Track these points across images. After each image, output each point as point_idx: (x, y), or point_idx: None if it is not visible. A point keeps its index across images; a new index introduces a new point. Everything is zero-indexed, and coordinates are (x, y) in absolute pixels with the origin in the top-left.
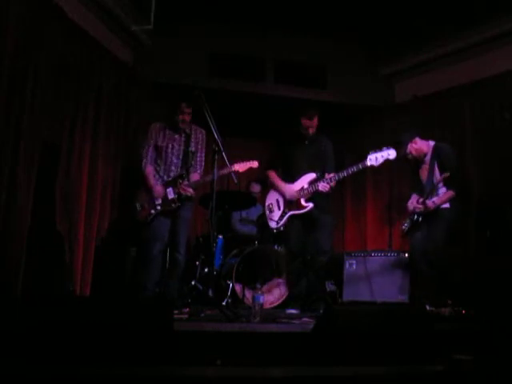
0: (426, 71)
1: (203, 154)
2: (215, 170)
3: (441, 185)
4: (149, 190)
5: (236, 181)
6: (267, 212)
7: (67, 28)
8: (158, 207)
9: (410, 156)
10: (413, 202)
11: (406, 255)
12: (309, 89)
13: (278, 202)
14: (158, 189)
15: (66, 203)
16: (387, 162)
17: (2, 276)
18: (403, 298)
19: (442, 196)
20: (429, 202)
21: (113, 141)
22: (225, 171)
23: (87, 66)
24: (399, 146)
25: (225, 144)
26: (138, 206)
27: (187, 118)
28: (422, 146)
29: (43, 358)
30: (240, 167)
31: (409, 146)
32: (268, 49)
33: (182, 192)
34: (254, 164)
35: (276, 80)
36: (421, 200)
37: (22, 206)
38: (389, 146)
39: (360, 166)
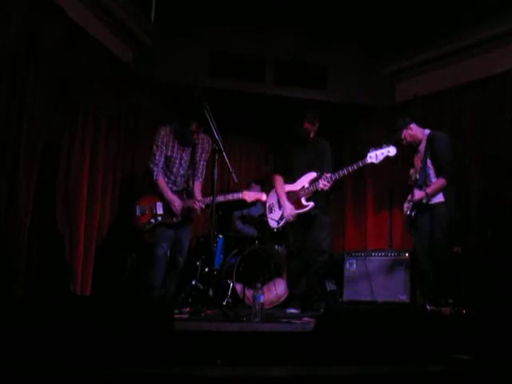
0: (426, 71)
1: (205, 163)
2: (215, 170)
3: (433, 175)
4: (160, 199)
5: (236, 180)
6: (268, 212)
7: (68, 28)
8: (159, 218)
9: (404, 142)
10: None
11: (407, 255)
12: (309, 89)
13: (278, 202)
14: (177, 205)
15: (67, 203)
16: (387, 159)
17: (2, 276)
18: (404, 297)
19: (432, 185)
20: (416, 192)
21: (113, 141)
22: (230, 197)
23: (88, 66)
24: (394, 131)
25: (225, 144)
26: (138, 210)
27: (200, 135)
28: (417, 132)
29: (43, 357)
30: (248, 197)
31: (404, 132)
32: (268, 49)
33: (194, 207)
34: (263, 197)
35: (276, 80)
36: (409, 198)
37: (23, 206)
38: (389, 143)
39: (360, 164)
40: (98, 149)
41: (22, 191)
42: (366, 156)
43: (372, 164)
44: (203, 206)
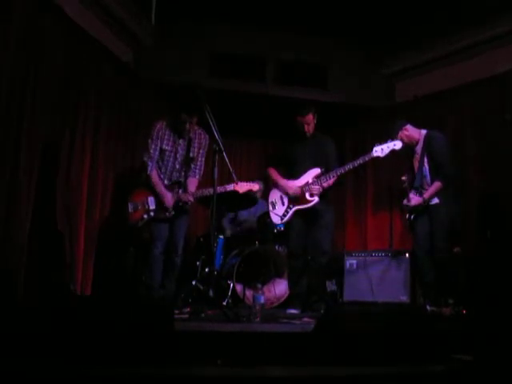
0: (426, 71)
1: (203, 159)
2: (215, 170)
3: (429, 177)
4: (152, 193)
5: (236, 179)
6: (270, 208)
7: (68, 28)
8: (152, 213)
9: (402, 143)
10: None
11: (407, 255)
12: (309, 89)
13: (281, 198)
14: (169, 198)
15: (67, 203)
16: (393, 152)
17: (3, 276)
18: (404, 297)
19: (429, 190)
20: (413, 197)
21: (113, 141)
22: (222, 189)
23: (88, 67)
24: (392, 134)
25: (225, 144)
26: (130, 206)
27: (193, 126)
28: (413, 133)
29: (43, 358)
30: (241, 188)
31: (400, 133)
32: (269, 49)
33: (182, 199)
34: (255, 187)
35: (276, 80)
36: (405, 201)
37: (23, 206)
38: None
39: (366, 158)
40: (98, 149)
41: (22, 191)
42: (371, 150)
43: (378, 157)
44: (192, 200)
